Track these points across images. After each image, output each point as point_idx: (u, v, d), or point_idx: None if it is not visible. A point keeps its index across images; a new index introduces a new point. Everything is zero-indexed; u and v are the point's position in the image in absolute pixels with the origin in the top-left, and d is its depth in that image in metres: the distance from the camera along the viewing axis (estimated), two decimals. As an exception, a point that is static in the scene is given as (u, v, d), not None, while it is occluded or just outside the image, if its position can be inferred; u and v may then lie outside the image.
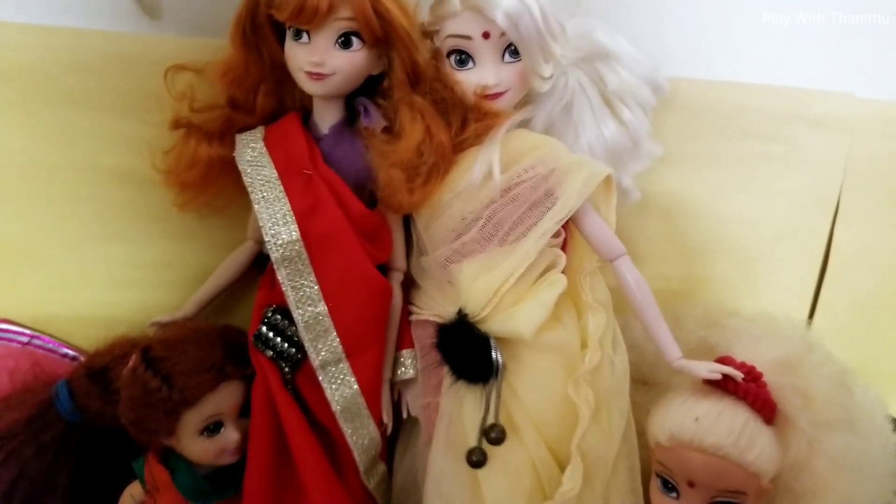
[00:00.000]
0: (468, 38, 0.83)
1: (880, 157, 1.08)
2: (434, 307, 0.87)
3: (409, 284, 0.93)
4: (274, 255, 0.81)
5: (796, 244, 1.11)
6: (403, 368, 0.91)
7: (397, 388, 0.93)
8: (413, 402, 0.93)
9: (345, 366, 0.85)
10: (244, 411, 0.88)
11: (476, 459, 0.81)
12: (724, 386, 0.77)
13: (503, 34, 0.82)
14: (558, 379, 0.83)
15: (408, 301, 0.92)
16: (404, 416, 0.93)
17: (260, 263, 0.95)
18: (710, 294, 1.10)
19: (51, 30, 0.92)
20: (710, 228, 1.09)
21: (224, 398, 0.86)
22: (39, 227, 0.97)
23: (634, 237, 1.07)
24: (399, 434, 0.97)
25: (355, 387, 0.85)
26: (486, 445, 0.81)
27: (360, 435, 0.87)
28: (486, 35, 0.82)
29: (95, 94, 0.93)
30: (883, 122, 1.07)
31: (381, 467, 0.93)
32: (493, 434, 0.80)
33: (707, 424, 0.74)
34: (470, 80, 0.84)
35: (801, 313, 1.13)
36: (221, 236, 0.98)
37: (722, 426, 0.74)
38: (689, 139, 1.05)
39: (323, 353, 0.83)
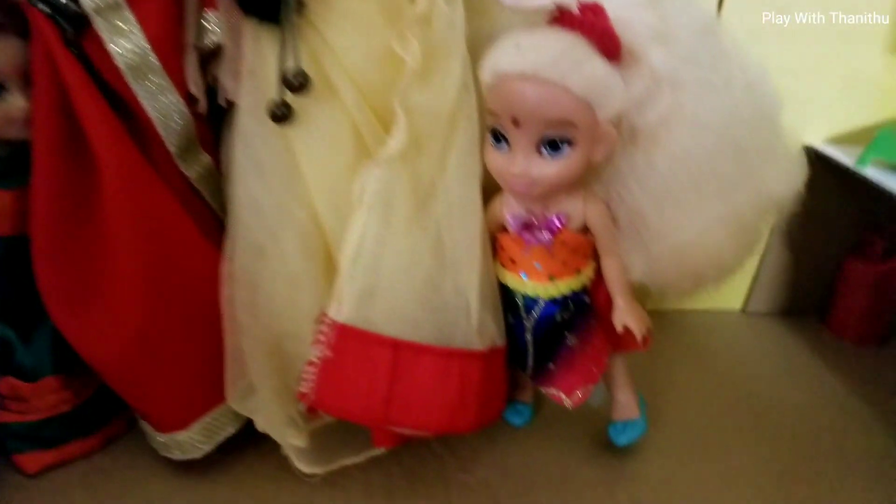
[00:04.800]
0: None
1: None
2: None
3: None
4: None
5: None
6: (210, 33, 0.77)
7: (211, 71, 0.80)
8: (228, 82, 0.79)
9: (128, 14, 0.72)
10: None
11: (280, 113, 0.71)
12: (559, 22, 0.66)
13: None
14: (376, 26, 0.72)
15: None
16: (224, 104, 0.81)
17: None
18: None
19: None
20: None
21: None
22: None
23: None
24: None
25: (143, 42, 0.73)
26: (289, 97, 0.70)
27: (161, 103, 0.76)
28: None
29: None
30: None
31: (205, 158, 0.83)
32: (294, 80, 0.69)
33: (527, 48, 0.65)
34: None
35: None
36: None
37: (543, 49, 0.65)
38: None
39: (97, -4, 0.69)
